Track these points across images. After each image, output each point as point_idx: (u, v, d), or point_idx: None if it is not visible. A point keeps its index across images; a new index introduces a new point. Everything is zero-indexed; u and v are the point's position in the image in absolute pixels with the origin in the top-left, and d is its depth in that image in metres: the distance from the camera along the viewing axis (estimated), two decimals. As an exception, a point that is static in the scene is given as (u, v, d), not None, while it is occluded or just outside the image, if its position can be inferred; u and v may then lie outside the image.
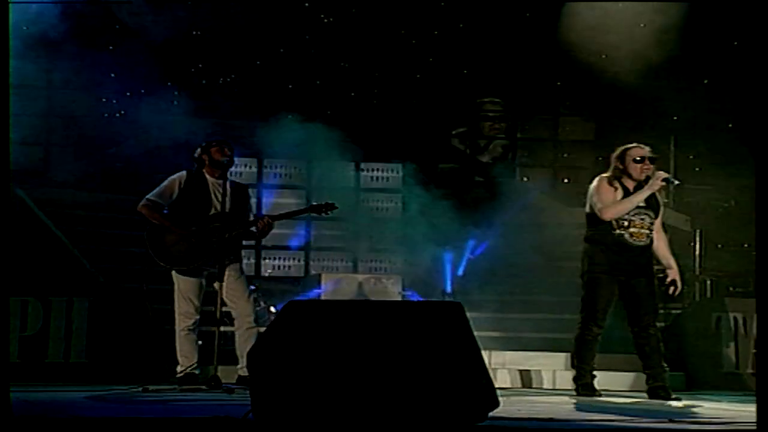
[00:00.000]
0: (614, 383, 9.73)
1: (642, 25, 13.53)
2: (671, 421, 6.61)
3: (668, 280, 8.87)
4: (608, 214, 8.50)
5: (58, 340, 10.38)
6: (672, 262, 8.98)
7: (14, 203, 12.12)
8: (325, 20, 14.27)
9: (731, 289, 12.10)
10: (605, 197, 8.56)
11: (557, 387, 10.35)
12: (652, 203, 8.63)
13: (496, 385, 10.16)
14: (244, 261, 9.67)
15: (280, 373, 5.77)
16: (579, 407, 7.99)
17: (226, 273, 8.90)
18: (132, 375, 9.34)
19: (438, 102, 14.70)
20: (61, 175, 13.52)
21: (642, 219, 8.60)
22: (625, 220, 8.58)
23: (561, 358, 10.78)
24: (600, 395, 8.64)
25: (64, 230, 12.37)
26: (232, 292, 8.89)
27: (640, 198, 8.50)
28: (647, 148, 8.64)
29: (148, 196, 8.95)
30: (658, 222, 8.76)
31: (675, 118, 13.74)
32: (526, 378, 10.61)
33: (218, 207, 8.92)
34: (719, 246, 12.57)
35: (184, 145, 13.13)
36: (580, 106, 14.85)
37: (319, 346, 5.79)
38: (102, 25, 13.45)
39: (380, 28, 14.22)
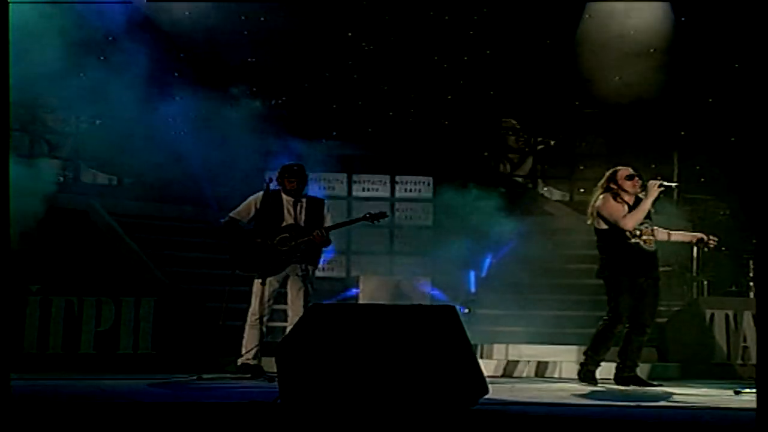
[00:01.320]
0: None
1: (652, 49, 13.63)
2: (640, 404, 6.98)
3: (702, 241, 9.16)
4: (630, 223, 8.70)
5: (127, 334, 10.67)
6: (684, 233, 9.43)
7: (90, 214, 12.54)
8: (366, 48, 14.36)
9: (733, 288, 12.03)
10: (619, 210, 8.78)
11: (566, 376, 10.41)
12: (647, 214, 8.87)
13: (514, 375, 10.49)
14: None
15: (304, 364, 6.15)
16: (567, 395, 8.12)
17: (290, 276, 9.27)
18: (191, 365, 9.56)
19: (467, 120, 14.66)
20: (132, 188, 13.71)
21: (647, 227, 8.80)
22: (637, 229, 8.76)
23: (572, 351, 10.88)
24: (596, 384, 8.80)
25: (133, 238, 12.54)
26: (292, 293, 9.26)
27: (648, 204, 8.71)
28: (630, 168, 8.95)
29: (230, 214, 9.46)
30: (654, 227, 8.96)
31: (682, 133, 13.71)
32: (541, 368, 10.77)
33: (290, 220, 9.30)
34: (722, 249, 12.68)
35: (241, 160, 13.31)
36: (595, 123, 14.75)
37: (336, 342, 6.18)
38: (168, 54, 13.64)
39: (415, 55, 14.22)
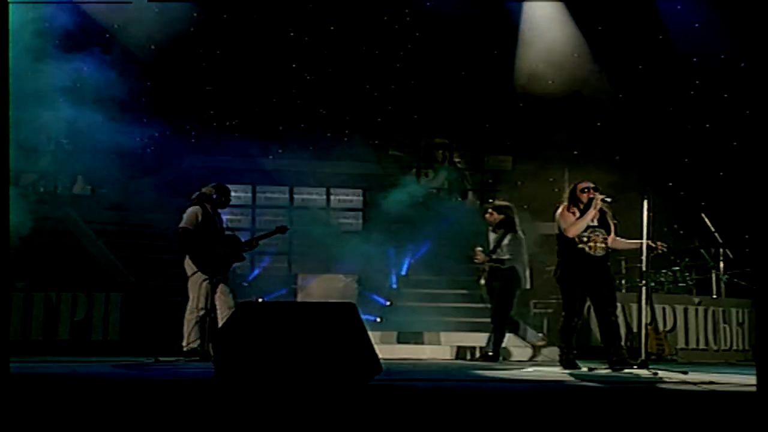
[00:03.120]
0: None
1: (550, 81, 14.29)
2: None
3: (650, 248, 8.78)
4: (571, 232, 8.79)
5: (99, 323, 11.08)
6: (636, 241, 8.97)
7: (66, 221, 12.74)
8: (308, 77, 14.67)
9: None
10: (568, 219, 8.87)
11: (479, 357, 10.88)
12: (603, 223, 8.93)
13: (436, 357, 11.02)
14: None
15: (235, 350, 6.59)
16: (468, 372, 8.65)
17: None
18: (152, 349, 9.82)
19: (394, 140, 15.08)
20: (104, 199, 13.86)
21: (597, 235, 8.86)
22: (585, 236, 8.82)
23: (482, 338, 11.25)
24: (579, 368, 8.83)
25: (105, 242, 12.72)
26: (223, 289, 9.63)
27: (590, 215, 8.79)
28: (590, 182, 9.00)
29: (183, 225, 9.57)
30: (612, 235, 8.97)
31: (575, 152, 14.29)
32: (460, 352, 11.31)
33: (218, 230, 9.71)
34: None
35: (196, 175, 13.35)
36: (501, 142, 15.16)
37: (260, 332, 6.64)
38: (139, 83, 13.76)
39: (350, 83, 14.58)
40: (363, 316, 11.24)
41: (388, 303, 12.76)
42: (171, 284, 11.67)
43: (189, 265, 9.63)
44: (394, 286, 13.38)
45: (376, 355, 6.78)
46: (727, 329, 12.44)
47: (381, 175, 14.33)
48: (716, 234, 12.86)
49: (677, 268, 12.55)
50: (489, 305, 10.72)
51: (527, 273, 10.43)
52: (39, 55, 12.18)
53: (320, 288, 12.26)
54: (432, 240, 13.64)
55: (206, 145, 14.22)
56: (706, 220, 12.90)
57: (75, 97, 12.98)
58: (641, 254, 8.76)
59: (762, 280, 5.10)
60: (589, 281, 8.90)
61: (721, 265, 12.82)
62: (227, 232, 9.83)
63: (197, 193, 9.89)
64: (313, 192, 14.26)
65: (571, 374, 8.31)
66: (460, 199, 15.32)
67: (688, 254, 12.97)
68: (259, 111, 14.50)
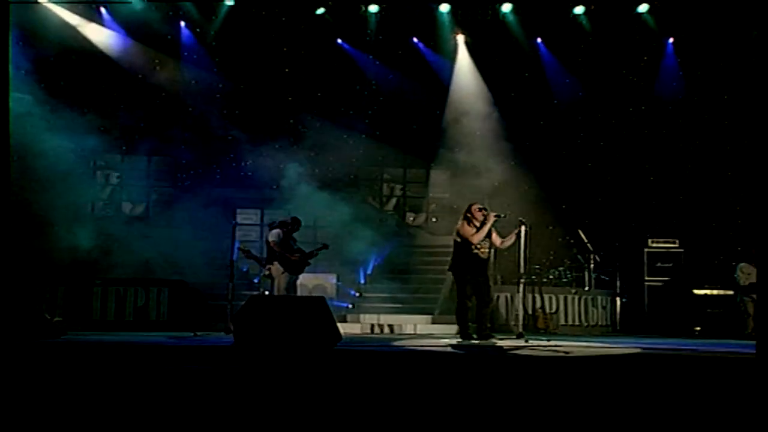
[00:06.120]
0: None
1: (477, 132, 15.01)
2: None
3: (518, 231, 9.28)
4: (476, 240, 9.33)
5: (154, 308, 11.95)
6: (512, 235, 9.48)
7: (129, 236, 13.43)
8: (301, 129, 15.05)
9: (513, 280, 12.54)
10: (470, 231, 9.40)
11: (417, 332, 11.84)
12: (487, 234, 9.49)
13: (381, 333, 11.98)
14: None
15: (247, 326, 7.71)
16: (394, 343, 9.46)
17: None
18: (191, 326, 10.72)
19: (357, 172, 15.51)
20: (155, 218, 14.53)
21: (484, 243, 9.47)
22: (479, 244, 9.39)
23: (422, 318, 12.47)
24: (472, 340, 9.32)
25: (157, 252, 13.29)
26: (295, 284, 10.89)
27: (487, 228, 9.37)
28: (480, 203, 9.69)
29: (272, 240, 10.62)
30: (499, 241, 9.58)
31: (495, 184, 14.93)
32: (396, 329, 12.14)
33: (292, 245, 10.93)
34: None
35: (219, 203, 14.28)
36: (445, 172, 15.59)
37: (263, 313, 7.74)
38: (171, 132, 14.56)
39: (331, 135, 14.92)
40: (340, 304, 12.60)
41: (357, 294, 13.50)
42: (204, 281, 12.69)
43: (276, 267, 10.68)
44: (363, 281, 14.13)
45: (338, 330, 8.05)
46: (595, 311, 13.51)
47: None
48: (588, 244, 14.06)
49: (561, 268, 13.77)
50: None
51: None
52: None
53: (308, 282, 12.75)
54: (393, 247, 14.37)
55: (228, 180, 14.90)
56: (582, 234, 14.24)
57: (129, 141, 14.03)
58: (523, 261, 9.45)
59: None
60: (476, 276, 9.46)
61: (591, 266, 14.00)
62: (295, 247, 11.01)
63: (279, 219, 11.20)
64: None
65: (460, 343, 9.18)
66: (412, 219, 15.83)
67: (569, 258, 14.16)
68: (266, 155, 14.80)
